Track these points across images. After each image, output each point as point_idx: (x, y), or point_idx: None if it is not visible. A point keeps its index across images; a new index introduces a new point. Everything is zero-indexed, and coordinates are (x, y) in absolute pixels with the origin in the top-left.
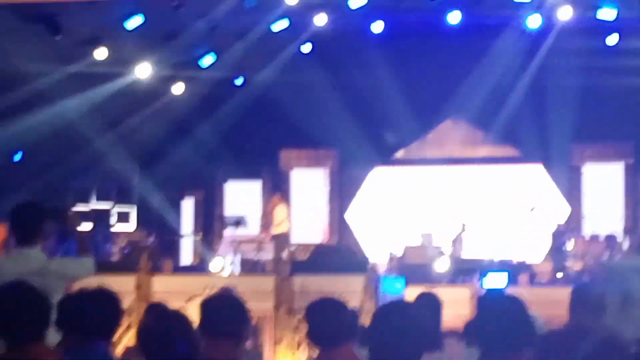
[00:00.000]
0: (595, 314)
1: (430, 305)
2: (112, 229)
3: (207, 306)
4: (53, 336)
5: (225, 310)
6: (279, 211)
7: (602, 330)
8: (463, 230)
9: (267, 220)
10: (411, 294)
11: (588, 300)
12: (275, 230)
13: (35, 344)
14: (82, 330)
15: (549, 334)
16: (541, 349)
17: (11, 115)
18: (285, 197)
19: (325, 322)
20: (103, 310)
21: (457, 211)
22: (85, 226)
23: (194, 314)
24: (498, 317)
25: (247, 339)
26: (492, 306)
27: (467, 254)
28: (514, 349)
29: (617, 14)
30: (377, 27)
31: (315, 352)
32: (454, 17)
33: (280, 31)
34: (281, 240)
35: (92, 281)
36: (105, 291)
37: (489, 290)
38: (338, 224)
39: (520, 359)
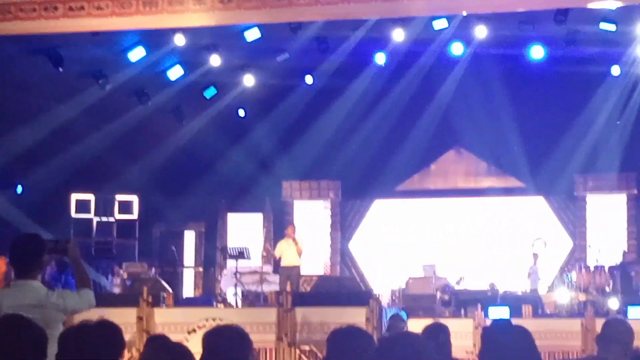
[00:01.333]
0: (619, 347)
1: (440, 335)
2: (114, 261)
3: (210, 338)
4: None
5: (228, 342)
6: (295, 243)
7: None
8: (535, 261)
9: (269, 252)
10: (413, 325)
11: (616, 334)
12: (287, 262)
13: None
14: None
15: None
16: None
17: (10, 148)
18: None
19: (349, 350)
20: (104, 343)
21: (460, 242)
22: (87, 258)
23: (195, 346)
24: (504, 347)
25: None
26: (498, 337)
27: (470, 284)
28: None
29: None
30: (380, 58)
31: None
32: (457, 48)
33: (282, 63)
34: (290, 272)
35: (94, 314)
36: (106, 324)
37: (495, 321)
38: (340, 255)
39: None
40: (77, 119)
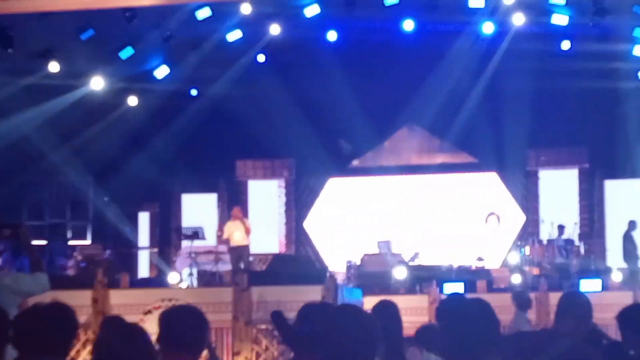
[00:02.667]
0: (577, 321)
1: (389, 308)
2: (68, 244)
3: (167, 318)
4: (10, 353)
5: (184, 321)
6: (245, 223)
7: (570, 335)
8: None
9: (223, 232)
10: (370, 302)
11: (575, 307)
12: (235, 242)
13: None
14: (38, 346)
15: (522, 335)
16: (517, 349)
17: None
18: (242, 208)
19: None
20: (58, 325)
21: (414, 218)
22: (40, 241)
23: (151, 327)
24: (460, 319)
25: (204, 349)
26: (454, 309)
27: (425, 261)
28: (478, 352)
29: (570, 20)
30: (332, 35)
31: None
32: (408, 25)
33: (234, 41)
34: (241, 252)
35: (48, 296)
36: (60, 306)
37: (452, 294)
38: (295, 233)
39: None
40: (26, 100)
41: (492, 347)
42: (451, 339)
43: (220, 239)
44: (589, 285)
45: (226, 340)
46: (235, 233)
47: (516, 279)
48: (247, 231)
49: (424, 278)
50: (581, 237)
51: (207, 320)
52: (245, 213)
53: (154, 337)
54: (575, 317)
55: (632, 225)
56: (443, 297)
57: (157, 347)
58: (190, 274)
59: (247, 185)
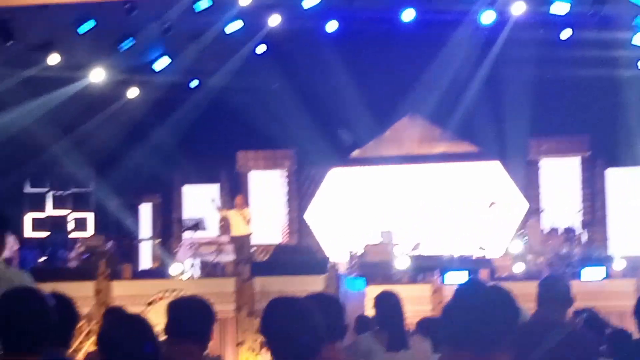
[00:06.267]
0: (562, 307)
1: (391, 303)
2: (70, 236)
3: (175, 307)
4: None
5: (192, 311)
6: (243, 213)
7: (567, 323)
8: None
9: (226, 222)
10: (372, 292)
11: (555, 293)
12: (237, 232)
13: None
14: None
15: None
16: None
17: None
18: (244, 198)
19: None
20: (58, 315)
21: (416, 208)
22: (42, 233)
23: (154, 318)
24: (479, 304)
25: (210, 340)
26: (474, 293)
27: (427, 250)
28: (492, 339)
29: (570, 8)
30: (331, 26)
31: None
32: (408, 15)
33: (234, 32)
34: (243, 242)
35: (49, 288)
36: (59, 296)
37: (470, 279)
38: (297, 224)
39: (498, 353)
40: (27, 93)
41: (507, 337)
42: (465, 324)
43: (223, 229)
44: (592, 274)
45: (230, 330)
46: (236, 222)
47: (518, 268)
48: (244, 219)
49: (425, 268)
50: (583, 225)
51: (214, 312)
52: (246, 203)
53: (156, 328)
54: (557, 302)
55: None
56: (445, 286)
57: (162, 337)
58: (192, 265)
59: (248, 176)
